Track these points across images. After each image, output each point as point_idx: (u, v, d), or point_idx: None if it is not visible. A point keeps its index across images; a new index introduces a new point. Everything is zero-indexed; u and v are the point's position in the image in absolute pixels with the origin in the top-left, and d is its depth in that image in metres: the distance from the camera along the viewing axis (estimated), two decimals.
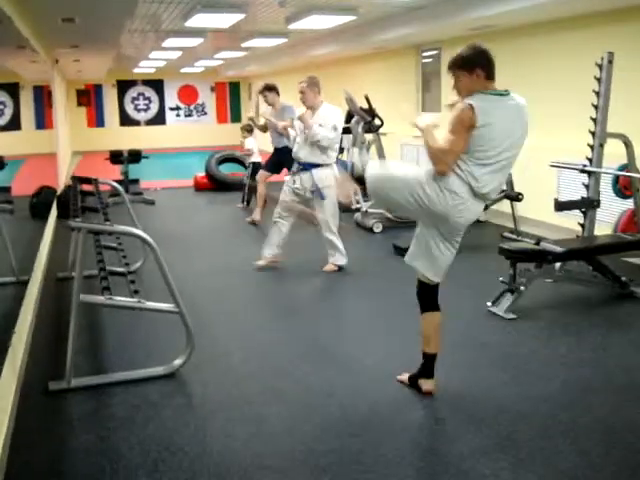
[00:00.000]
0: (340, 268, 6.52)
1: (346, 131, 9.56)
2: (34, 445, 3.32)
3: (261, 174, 9.21)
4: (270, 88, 8.64)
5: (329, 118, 6.40)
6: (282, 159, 8.57)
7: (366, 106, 8.85)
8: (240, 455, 3.17)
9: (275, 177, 9.35)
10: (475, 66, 3.49)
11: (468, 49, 3.55)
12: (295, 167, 6.59)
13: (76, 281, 3.93)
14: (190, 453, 3.19)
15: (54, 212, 9.20)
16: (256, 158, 10.55)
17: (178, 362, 4.13)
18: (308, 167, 6.42)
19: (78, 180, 6.21)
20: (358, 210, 8.72)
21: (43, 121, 9.15)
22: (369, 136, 9.04)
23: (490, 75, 3.53)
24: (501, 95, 3.52)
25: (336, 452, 3.20)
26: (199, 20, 9.04)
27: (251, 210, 9.57)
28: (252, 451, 3.21)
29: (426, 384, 3.80)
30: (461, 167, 3.44)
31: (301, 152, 6.48)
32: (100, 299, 3.95)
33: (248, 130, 10.71)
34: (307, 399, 3.79)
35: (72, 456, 3.20)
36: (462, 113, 3.39)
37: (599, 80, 5.97)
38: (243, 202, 10.52)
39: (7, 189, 5.43)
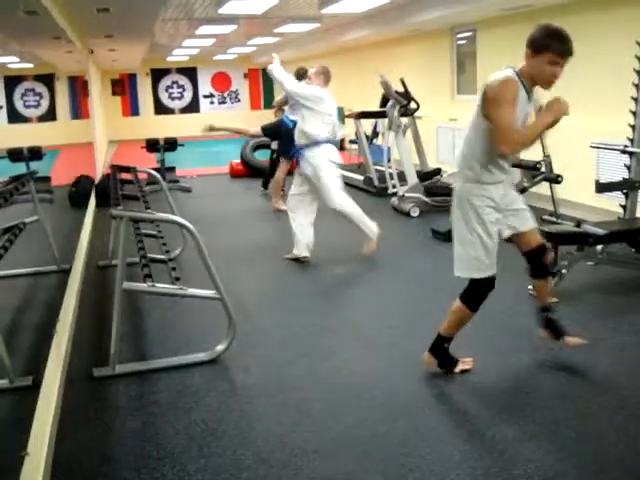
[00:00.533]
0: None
1: (381, 115, 9.54)
2: (80, 432, 3.37)
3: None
4: (303, 75, 8.59)
5: (306, 87, 6.33)
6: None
7: (401, 89, 8.79)
8: (284, 440, 3.19)
9: None
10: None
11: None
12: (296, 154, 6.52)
13: (119, 269, 3.97)
14: (235, 438, 3.22)
15: (93, 201, 9.30)
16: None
17: (220, 348, 4.16)
18: (301, 150, 6.35)
19: (117, 169, 6.25)
20: (395, 194, 8.68)
21: (78, 111, 9.25)
22: (405, 120, 8.97)
23: None
24: None
25: (380, 437, 3.20)
26: (232, 7, 9.05)
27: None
28: (296, 436, 3.23)
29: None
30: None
31: (295, 135, 6.43)
32: (143, 286, 3.99)
33: (281, 108, 10.43)
34: (349, 384, 3.79)
35: (118, 442, 3.24)
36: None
37: (639, 59, 5.86)
38: (265, 187, 10.54)
39: (47, 179, 5.51)
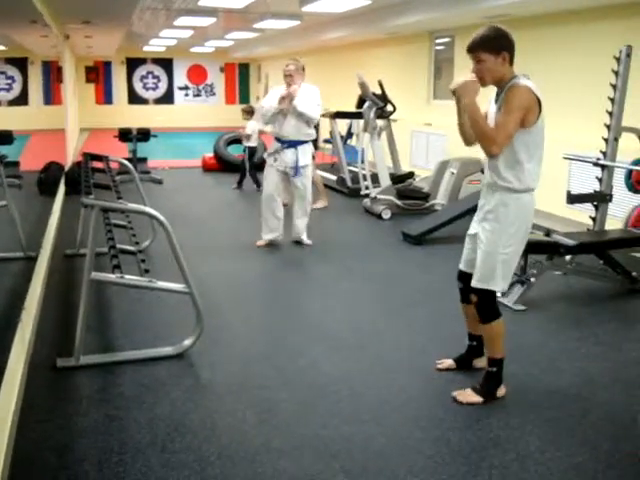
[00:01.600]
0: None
1: (357, 116, 9.54)
2: (43, 422, 3.31)
3: None
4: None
5: (310, 96, 6.52)
6: None
7: (379, 91, 8.80)
8: (249, 438, 3.17)
9: None
10: (502, 49, 3.32)
11: (492, 30, 3.34)
12: (276, 146, 6.68)
13: (88, 258, 3.91)
14: (199, 435, 3.19)
15: (62, 188, 9.18)
16: (253, 142, 10.42)
17: (187, 343, 4.12)
18: (293, 144, 6.58)
19: (89, 157, 6.16)
20: (367, 196, 8.69)
21: (51, 96, 9.11)
22: (380, 122, 8.98)
23: (513, 60, 3.38)
24: None
25: (346, 438, 3.19)
26: None
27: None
28: (261, 435, 3.20)
29: (481, 362, 3.90)
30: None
31: (285, 129, 6.57)
32: (111, 277, 3.94)
33: (248, 112, 10.55)
34: (316, 384, 3.78)
35: (81, 434, 3.19)
36: (523, 96, 3.26)
37: (616, 73, 5.92)
38: (239, 185, 10.53)
39: (16, 164, 5.41)
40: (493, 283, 3.51)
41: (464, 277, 3.73)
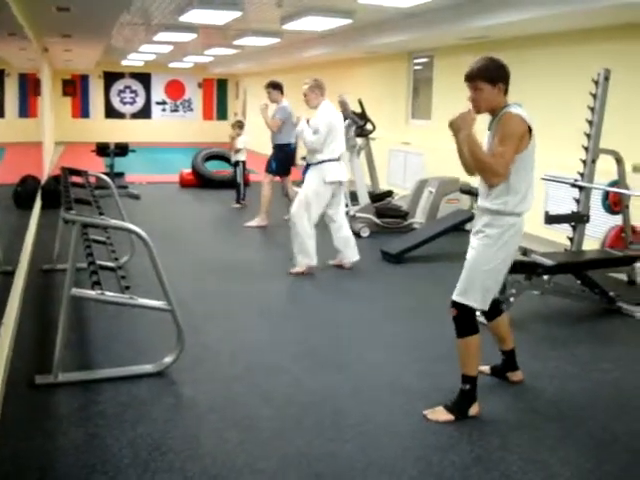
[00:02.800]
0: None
1: None
2: (20, 441, 3.25)
3: (266, 176, 9.00)
4: (274, 85, 8.61)
5: (318, 119, 6.46)
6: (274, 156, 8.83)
7: (358, 110, 8.85)
8: (232, 458, 3.14)
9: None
10: (499, 79, 3.48)
11: (490, 61, 3.50)
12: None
13: (68, 274, 3.87)
14: (181, 454, 3.15)
15: (38, 202, 9.10)
16: (243, 157, 10.48)
17: (168, 360, 4.09)
18: (308, 167, 6.68)
19: (68, 171, 6.12)
20: (346, 214, 8.70)
21: (27, 109, 9.05)
22: (360, 140, 9.02)
23: (507, 90, 3.54)
24: None
25: (329, 456, 3.18)
26: (194, 16, 8.99)
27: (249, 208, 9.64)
28: (244, 454, 3.18)
29: (515, 375, 4.13)
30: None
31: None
32: (92, 294, 3.90)
33: (240, 127, 10.57)
34: (299, 401, 3.77)
35: (60, 453, 3.15)
36: (516, 124, 3.40)
37: (594, 96, 6.01)
38: (239, 201, 10.44)
39: None
40: (472, 299, 3.59)
41: None
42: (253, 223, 8.86)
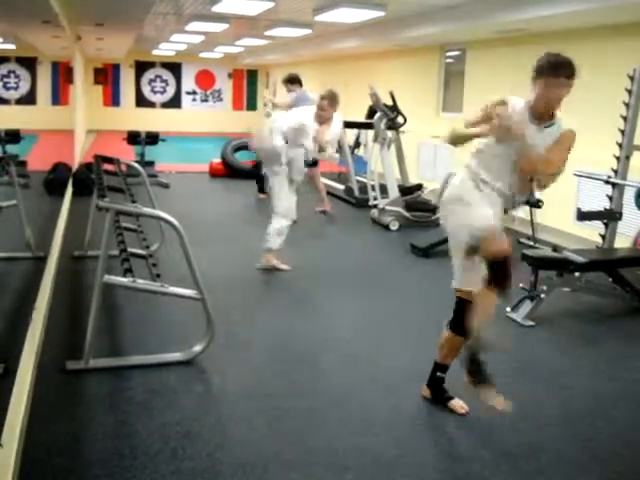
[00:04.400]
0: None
1: (366, 126, 9.56)
2: (51, 425, 3.28)
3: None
4: (293, 80, 8.61)
5: (337, 135, 6.33)
6: None
7: (390, 103, 8.81)
8: (260, 448, 3.15)
9: None
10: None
11: (569, 60, 3.37)
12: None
13: (101, 261, 3.90)
14: (210, 442, 3.17)
15: (70, 189, 9.19)
16: None
17: (197, 349, 4.10)
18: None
19: (100, 159, 6.16)
20: (375, 206, 8.68)
21: (59, 97, 9.12)
22: (390, 133, 8.99)
23: None
24: None
25: (357, 450, 3.18)
26: (227, 5, 8.98)
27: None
28: (272, 445, 3.19)
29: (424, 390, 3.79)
30: None
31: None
32: (124, 281, 3.92)
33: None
34: (327, 393, 3.77)
35: (90, 438, 3.18)
36: (575, 140, 3.40)
37: (630, 92, 5.93)
38: (262, 191, 10.38)
39: (23, 163, 5.41)
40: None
41: None
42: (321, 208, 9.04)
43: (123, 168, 6.72)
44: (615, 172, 6.03)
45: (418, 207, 8.63)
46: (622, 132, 6.00)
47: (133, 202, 4.63)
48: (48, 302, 4.92)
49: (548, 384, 4.05)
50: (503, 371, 4.18)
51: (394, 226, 8.29)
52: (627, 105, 5.97)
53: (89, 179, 8.27)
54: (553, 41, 8.38)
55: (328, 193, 10.66)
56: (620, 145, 6.02)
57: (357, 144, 11.72)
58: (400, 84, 11.96)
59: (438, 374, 3.67)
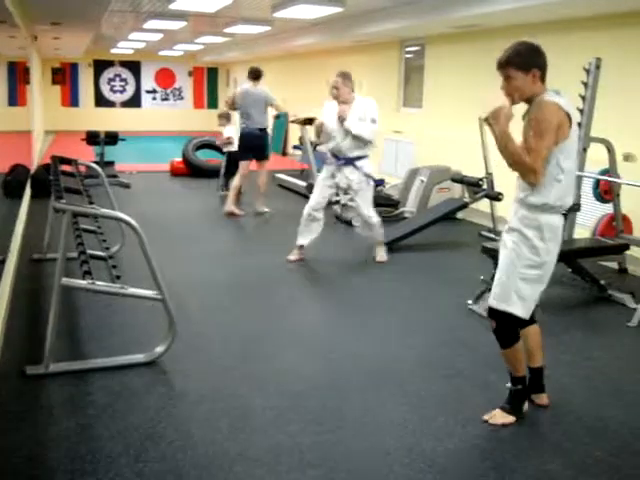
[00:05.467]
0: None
1: None
2: (11, 431, 3.24)
3: (244, 164, 8.97)
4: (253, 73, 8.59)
5: (367, 111, 6.35)
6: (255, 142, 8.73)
7: None
8: (224, 447, 3.14)
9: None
10: (532, 66, 3.19)
11: (522, 46, 3.24)
12: (334, 162, 6.48)
13: (59, 264, 3.84)
14: (173, 444, 3.15)
15: (28, 191, 9.05)
16: (234, 147, 10.42)
17: (159, 350, 4.07)
18: (350, 161, 6.42)
19: (58, 160, 6.07)
20: (337, 203, 8.68)
21: (16, 98, 8.99)
22: None
23: (545, 77, 3.25)
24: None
25: (322, 446, 3.18)
26: (184, 3, 8.92)
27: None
28: (236, 443, 3.18)
29: (539, 398, 3.70)
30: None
31: (343, 146, 6.39)
32: (83, 284, 3.87)
33: (226, 117, 10.52)
34: (292, 390, 3.76)
35: (52, 443, 3.13)
36: (551, 114, 3.10)
37: (586, 85, 6.01)
38: (224, 189, 10.33)
39: None
40: (512, 306, 3.31)
41: None
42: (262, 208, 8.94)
43: (81, 169, 6.64)
44: None
45: (380, 202, 8.64)
46: (579, 124, 6.07)
47: (91, 203, 4.57)
48: (7, 306, 4.84)
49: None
50: (466, 362, 4.23)
51: (357, 222, 8.28)
52: (583, 98, 6.04)
53: (48, 181, 8.15)
54: (510, 35, 8.40)
55: (290, 190, 10.68)
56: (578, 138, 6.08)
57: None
58: (361, 80, 11.98)
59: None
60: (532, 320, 3.55)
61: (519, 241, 3.29)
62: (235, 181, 8.87)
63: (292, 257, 6.61)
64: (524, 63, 3.20)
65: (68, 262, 4.53)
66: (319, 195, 6.56)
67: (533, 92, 3.23)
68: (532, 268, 3.28)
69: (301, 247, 6.61)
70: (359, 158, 6.44)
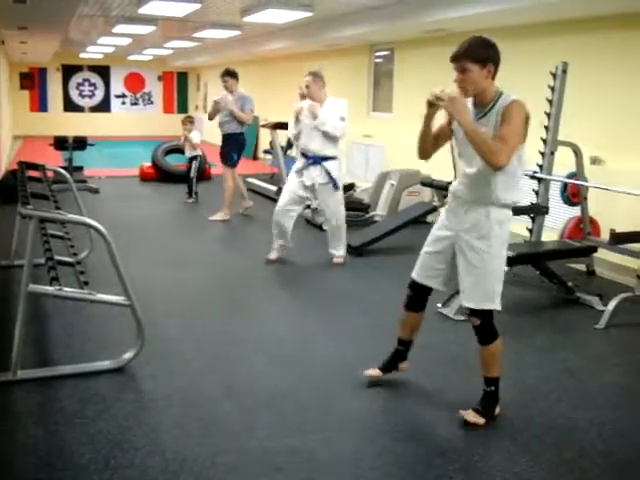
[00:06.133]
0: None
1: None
2: None
3: (226, 169, 8.90)
4: (231, 74, 8.55)
5: (336, 110, 6.45)
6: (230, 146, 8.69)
7: None
8: (193, 452, 3.13)
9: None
10: (488, 60, 3.23)
11: (479, 40, 3.27)
12: (302, 162, 6.55)
13: (25, 270, 3.80)
14: (142, 450, 3.13)
15: None
16: (199, 151, 10.40)
17: (128, 356, 4.05)
18: (319, 160, 6.48)
19: (25, 165, 6.02)
20: (308, 207, 8.69)
21: None
22: None
23: (496, 74, 3.30)
24: None
25: (291, 450, 3.18)
26: (153, 7, 8.88)
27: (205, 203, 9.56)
28: (205, 448, 3.17)
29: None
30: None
31: (312, 145, 6.47)
32: (50, 290, 3.83)
33: (191, 122, 10.47)
34: (261, 396, 3.76)
35: (20, 451, 3.10)
36: (523, 110, 3.22)
37: (552, 89, 6.09)
38: (191, 196, 10.28)
39: None
40: (497, 302, 3.43)
41: (418, 287, 3.71)
42: (217, 217, 8.80)
43: (49, 174, 6.58)
44: (540, 167, 6.18)
45: (350, 206, 8.66)
46: (546, 128, 6.16)
47: (57, 208, 4.53)
48: None
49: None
50: (436, 364, 4.26)
51: (327, 225, 8.30)
52: (550, 102, 6.12)
53: (15, 186, 8.06)
54: None
55: (260, 194, 10.68)
56: (544, 141, 6.17)
57: (289, 145, 11.73)
58: (331, 84, 11.99)
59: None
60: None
61: (492, 242, 3.36)
62: (229, 183, 8.85)
63: (272, 256, 6.69)
64: (481, 57, 3.24)
65: (36, 268, 4.48)
66: (286, 191, 6.68)
67: (485, 87, 3.28)
68: (502, 263, 3.43)
69: (281, 246, 6.72)
70: (327, 159, 6.47)
